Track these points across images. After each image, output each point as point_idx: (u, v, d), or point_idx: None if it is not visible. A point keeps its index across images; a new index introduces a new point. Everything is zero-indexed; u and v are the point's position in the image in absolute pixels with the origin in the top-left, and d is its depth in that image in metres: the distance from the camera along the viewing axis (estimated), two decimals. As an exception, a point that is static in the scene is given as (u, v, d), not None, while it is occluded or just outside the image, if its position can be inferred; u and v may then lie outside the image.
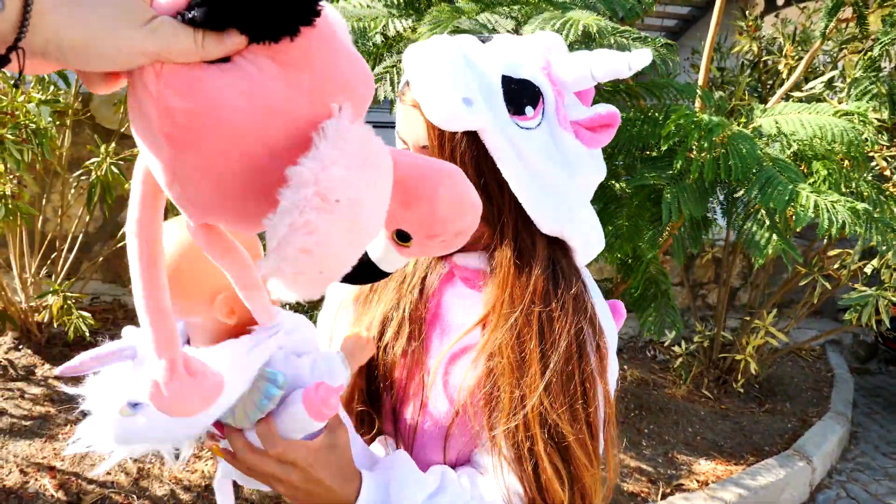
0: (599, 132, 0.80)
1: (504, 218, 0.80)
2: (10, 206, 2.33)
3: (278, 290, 0.50)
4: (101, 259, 3.32)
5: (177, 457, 0.72)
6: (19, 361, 3.00)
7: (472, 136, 0.76)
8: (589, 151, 0.81)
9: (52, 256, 3.25)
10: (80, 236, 3.24)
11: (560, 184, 0.79)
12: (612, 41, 1.61)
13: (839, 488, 3.64)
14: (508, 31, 1.69)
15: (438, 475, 0.80)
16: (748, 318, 3.91)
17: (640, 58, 0.76)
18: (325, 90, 0.51)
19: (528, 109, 0.76)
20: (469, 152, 0.77)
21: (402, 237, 0.68)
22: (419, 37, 1.75)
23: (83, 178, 2.90)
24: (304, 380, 0.72)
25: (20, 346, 3.08)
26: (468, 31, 1.68)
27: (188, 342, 0.75)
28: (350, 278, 0.73)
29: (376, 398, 0.91)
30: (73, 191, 3.12)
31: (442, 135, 0.77)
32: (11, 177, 2.50)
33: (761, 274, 4.20)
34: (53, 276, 3.17)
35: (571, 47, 1.62)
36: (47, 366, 3.00)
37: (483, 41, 0.81)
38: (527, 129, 0.76)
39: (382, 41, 1.94)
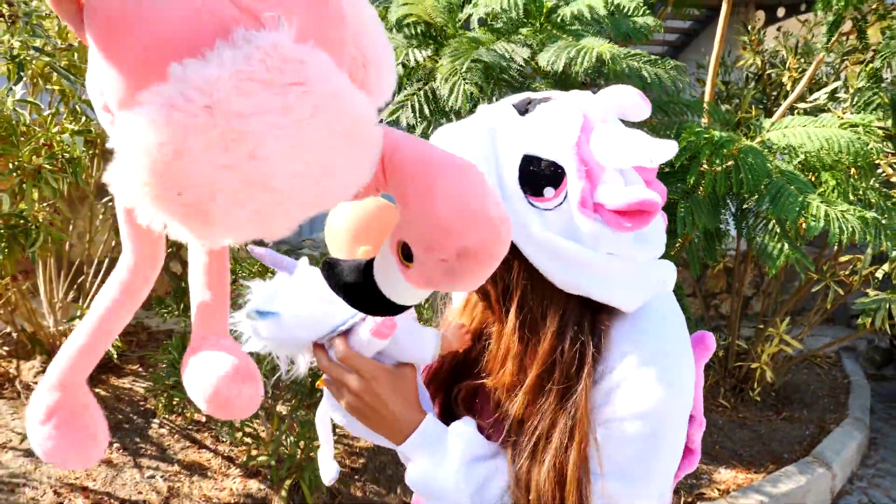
0: (628, 217, 0.77)
1: (512, 290, 0.83)
2: (44, 233, 2.41)
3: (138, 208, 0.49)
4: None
5: (290, 363, 0.87)
6: (49, 385, 3.07)
7: None
8: (619, 234, 0.79)
9: (79, 281, 3.34)
10: (106, 261, 3.33)
11: (581, 257, 0.78)
12: (625, 65, 1.69)
13: (861, 494, 3.65)
14: (525, 59, 1.77)
15: (494, 448, 0.87)
16: (762, 327, 3.94)
17: (665, 150, 0.76)
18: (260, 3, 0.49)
19: (548, 190, 0.77)
20: None
21: (405, 254, 0.64)
22: (441, 66, 1.83)
23: (110, 203, 2.99)
24: (400, 339, 0.84)
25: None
26: (487, 61, 1.76)
27: None
28: (356, 303, 0.71)
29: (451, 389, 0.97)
30: (101, 216, 3.22)
31: None
32: (45, 205, 2.60)
33: (773, 283, 4.24)
34: (81, 300, 3.26)
35: (586, 72, 1.70)
36: (76, 389, 3.08)
37: (524, 110, 0.82)
38: (545, 209, 0.78)
39: (403, 71, 2.02)
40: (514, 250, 0.79)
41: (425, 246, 0.59)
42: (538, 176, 0.77)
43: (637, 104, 0.82)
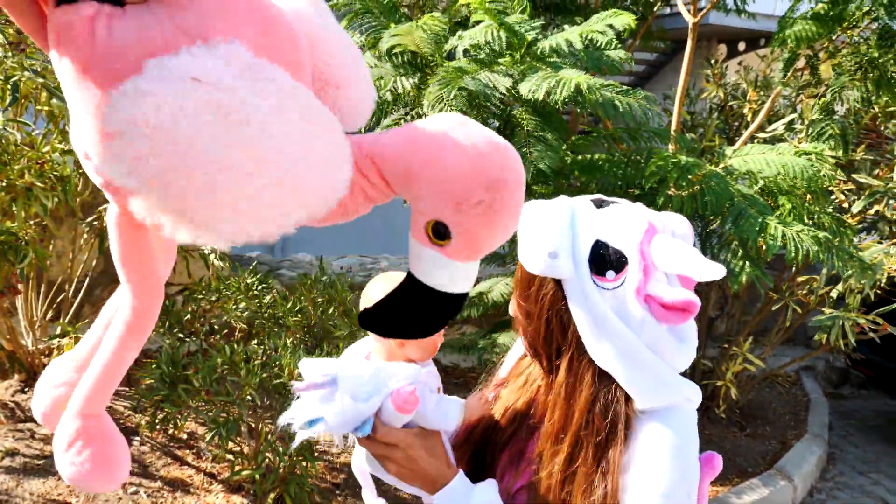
0: (671, 312, 0.89)
1: (562, 350, 0.96)
2: (33, 250, 2.45)
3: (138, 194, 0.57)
4: (106, 303, 3.41)
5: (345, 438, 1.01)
6: (26, 404, 3.06)
7: (557, 283, 0.94)
8: (660, 325, 0.92)
9: (59, 299, 3.35)
10: (87, 280, 3.34)
11: (624, 336, 0.91)
12: (600, 95, 1.83)
13: (820, 506, 3.81)
14: (507, 88, 1.90)
15: None
16: (726, 346, 4.11)
17: (714, 270, 0.89)
18: (206, 27, 0.56)
19: (610, 273, 0.91)
20: (550, 293, 0.94)
21: (437, 233, 0.67)
22: (428, 93, 1.95)
23: (95, 223, 3.02)
24: (426, 413, 0.98)
25: (26, 389, 3.15)
26: (472, 89, 1.89)
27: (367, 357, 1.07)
28: (417, 318, 0.80)
29: (481, 462, 1.09)
30: (85, 235, 3.24)
31: (533, 277, 0.96)
32: (32, 223, 2.63)
33: (736, 304, 4.42)
34: (62, 318, 3.26)
35: (564, 102, 1.84)
36: (54, 407, 3.07)
37: (599, 205, 0.97)
38: (604, 287, 0.91)
39: (391, 97, 2.14)
40: (570, 316, 0.93)
41: (455, 203, 0.63)
42: (605, 259, 0.91)
43: (686, 234, 0.97)
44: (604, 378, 0.93)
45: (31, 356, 3.14)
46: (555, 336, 0.95)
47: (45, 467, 2.64)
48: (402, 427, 0.98)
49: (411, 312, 0.79)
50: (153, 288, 0.79)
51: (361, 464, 1.08)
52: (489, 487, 0.99)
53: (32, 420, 2.96)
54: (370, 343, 1.08)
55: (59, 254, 3.77)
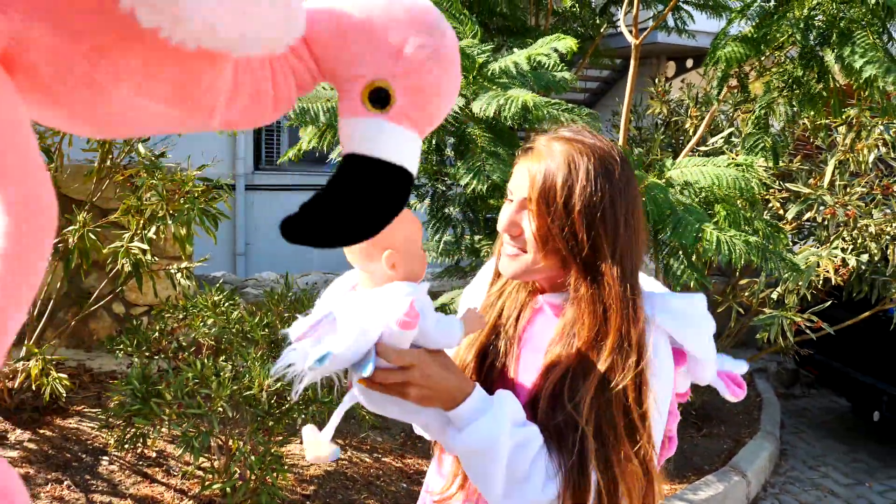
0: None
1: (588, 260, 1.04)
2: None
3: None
4: (72, 325, 3.43)
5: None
6: (-9, 428, 3.05)
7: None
8: None
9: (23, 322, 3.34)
10: (50, 303, 3.35)
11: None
12: (546, 112, 1.98)
13: (773, 499, 4.00)
14: (460, 107, 2.04)
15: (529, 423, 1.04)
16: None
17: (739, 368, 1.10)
18: None
19: None
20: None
21: (377, 100, 0.61)
22: (385, 112, 2.07)
23: (59, 246, 3.05)
24: (429, 330, 0.98)
25: (-10, 414, 3.14)
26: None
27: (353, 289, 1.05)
28: (363, 201, 0.71)
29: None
30: (49, 258, 3.25)
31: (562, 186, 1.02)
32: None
33: (689, 309, 4.62)
34: (25, 341, 3.26)
35: (513, 118, 1.98)
36: (19, 430, 3.07)
37: None
38: None
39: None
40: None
41: (395, 51, 0.58)
42: None
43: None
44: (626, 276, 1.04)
45: (-6, 380, 3.13)
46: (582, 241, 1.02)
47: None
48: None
49: (359, 199, 0.69)
50: (39, 197, 0.56)
51: (345, 406, 1.05)
52: (508, 395, 1.02)
53: (-3, 444, 2.95)
54: (352, 276, 1.07)
55: (20, 278, 3.75)
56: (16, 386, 3.19)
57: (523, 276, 1.10)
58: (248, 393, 2.25)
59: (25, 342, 3.20)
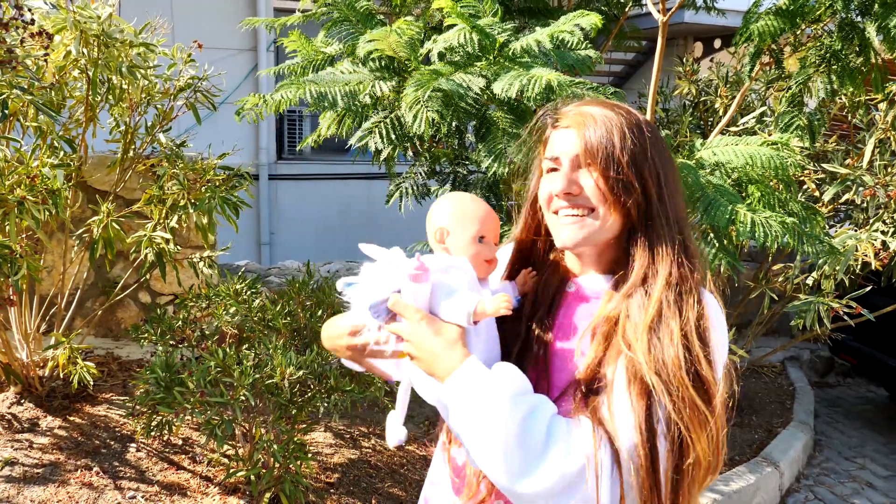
0: None
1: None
2: (25, 264, 2.49)
3: None
4: (98, 314, 3.46)
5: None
6: (23, 415, 3.10)
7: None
8: None
9: (52, 312, 3.39)
10: (77, 293, 3.39)
11: None
12: (569, 92, 1.91)
13: (807, 491, 3.89)
14: (480, 88, 1.98)
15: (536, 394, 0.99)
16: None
17: None
18: None
19: None
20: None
21: None
22: (405, 96, 2.02)
23: (84, 236, 3.07)
24: (438, 299, 1.05)
25: (22, 401, 3.18)
26: (446, 90, 1.96)
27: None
28: None
29: None
30: (75, 248, 3.29)
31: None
32: (24, 237, 2.68)
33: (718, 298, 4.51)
34: (54, 331, 3.30)
35: (536, 99, 1.92)
36: (50, 417, 3.11)
37: None
38: None
39: (371, 101, 2.21)
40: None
41: None
42: None
43: None
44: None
45: (27, 368, 3.18)
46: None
47: (44, 475, 2.68)
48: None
49: None
50: None
51: (406, 383, 1.13)
52: (507, 366, 0.98)
53: (29, 430, 3.00)
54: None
55: (49, 268, 3.81)
56: (46, 374, 3.23)
57: (590, 241, 1.07)
58: (270, 381, 2.23)
59: (54, 331, 3.23)
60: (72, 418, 3.12)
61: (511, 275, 1.21)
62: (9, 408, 3.12)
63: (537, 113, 1.18)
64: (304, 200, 8.44)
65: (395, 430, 1.15)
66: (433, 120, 2.00)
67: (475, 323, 1.02)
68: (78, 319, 3.82)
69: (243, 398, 2.14)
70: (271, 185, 8.46)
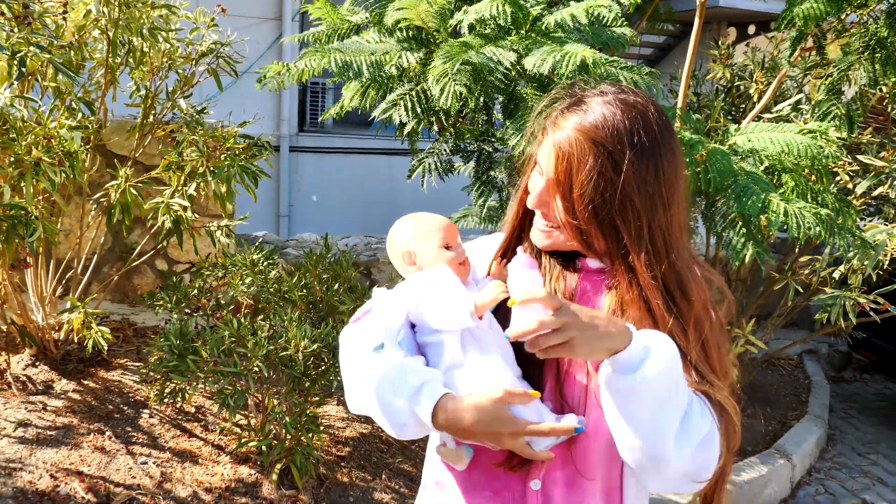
0: None
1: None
2: (43, 225, 2.48)
3: None
4: (114, 279, 3.46)
5: None
6: (37, 377, 3.11)
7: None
8: None
9: (68, 276, 3.39)
10: (94, 258, 3.38)
11: None
12: (604, 70, 1.83)
13: (818, 485, 3.85)
14: (511, 63, 1.91)
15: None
16: (728, 328, 4.12)
17: None
18: None
19: None
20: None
21: None
22: (433, 68, 1.96)
23: (102, 200, 3.05)
24: (431, 311, 1.07)
25: (37, 363, 3.20)
26: (476, 64, 1.90)
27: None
28: None
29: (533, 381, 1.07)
30: (93, 212, 3.27)
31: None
32: (40, 199, 2.66)
33: (740, 287, 4.44)
34: (70, 295, 3.30)
35: (568, 76, 1.85)
36: (64, 381, 3.12)
37: None
38: None
39: (396, 73, 2.14)
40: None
41: None
42: None
43: None
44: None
45: (42, 331, 3.19)
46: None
47: (57, 438, 2.70)
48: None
49: None
50: None
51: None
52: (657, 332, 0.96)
53: (43, 393, 3.01)
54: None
55: (66, 231, 3.80)
56: (61, 337, 3.24)
57: (560, 248, 1.09)
58: (284, 353, 2.21)
59: (70, 295, 3.24)
60: (86, 382, 3.14)
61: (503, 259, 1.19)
62: (24, 369, 3.13)
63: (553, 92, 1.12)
64: (324, 173, 8.40)
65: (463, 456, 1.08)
66: (460, 94, 1.93)
67: (480, 318, 1.03)
68: (95, 284, 3.83)
69: (256, 369, 2.12)
70: (292, 157, 8.41)
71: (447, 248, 1.13)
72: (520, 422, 0.95)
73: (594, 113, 0.99)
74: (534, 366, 1.04)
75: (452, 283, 1.08)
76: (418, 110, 2.11)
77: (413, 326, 1.09)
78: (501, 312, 1.04)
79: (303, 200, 8.40)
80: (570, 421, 0.99)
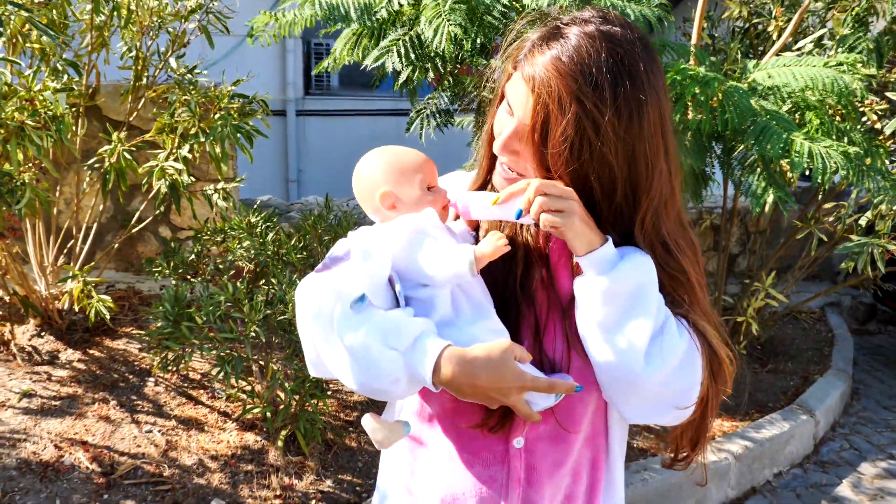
0: None
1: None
2: (31, 193, 2.40)
3: None
4: (115, 247, 3.40)
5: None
6: (43, 347, 3.08)
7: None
8: None
9: (69, 246, 3.33)
10: (95, 226, 3.32)
11: None
12: (609, 3, 1.69)
13: (842, 440, 3.75)
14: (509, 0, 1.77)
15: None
16: (748, 281, 3.99)
17: None
18: None
19: None
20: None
21: None
22: (425, 9, 1.82)
23: (96, 166, 2.97)
24: (424, 260, 0.95)
25: (42, 333, 3.17)
26: (471, 1, 1.75)
27: None
28: None
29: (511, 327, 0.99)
30: (88, 179, 3.20)
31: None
32: (30, 165, 2.58)
33: (759, 240, 4.28)
34: (71, 264, 3.25)
35: (572, 8, 1.70)
36: (70, 350, 3.09)
37: None
38: None
39: (388, 17, 2.01)
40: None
41: None
42: None
43: None
44: None
45: (45, 301, 3.15)
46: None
47: (61, 408, 2.67)
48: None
49: None
50: None
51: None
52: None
53: (49, 363, 2.98)
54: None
55: (69, 200, 3.74)
56: (64, 307, 3.20)
57: None
58: (282, 318, 2.13)
59: (71, 265, 3.19)
60: (91, 352, 3.10)
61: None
62: (29, 340, 3.10)
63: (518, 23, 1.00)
64: (332, 137, 8.26)
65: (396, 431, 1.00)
66: (455, 35, 1.80)
67: (478, 270, 0.93)
68: (98, 253, 3.78)
69: (253, 334, 2.04)
70: (299, 122, 8.27)
71: (429, 188, 1.01)
72: (526, 376, 0.87)
73: (574, 51, 0.86)
74: (510, 320, 0.96)
75: (447, 237, 0.97)
76: (412, 56, 1.98)
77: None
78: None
79: (311, 165, 8.29)
80: (568, 378, 0.91)
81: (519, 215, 0.90)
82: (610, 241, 0.90)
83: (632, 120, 0.87)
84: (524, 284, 0.98)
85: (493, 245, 0.91)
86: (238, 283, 2.23)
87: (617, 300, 0.88)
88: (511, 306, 0.98)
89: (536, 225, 0.91)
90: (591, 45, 0.86)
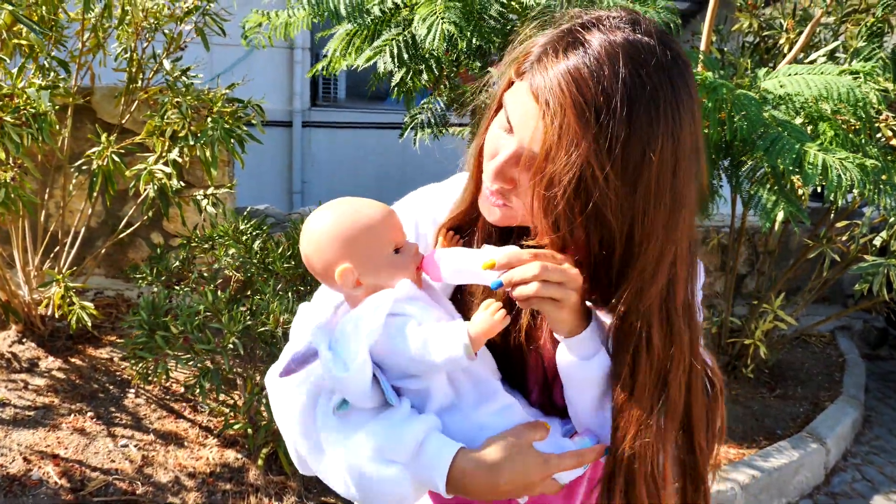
0: None
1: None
2: (10, 192, 2.31)
3: None
4: (102, 252, 3.30)
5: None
6: (23, 354, 2.98)
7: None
8: None
9: (55, 251, 3.24)
10: (83, 231, 3.23)
11: None
12: (612, 2, 1.59)
13: (854, 471, 3.59)
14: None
15: None
16: (756, 303, 3.86)
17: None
18: None
19: None
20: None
21: None
22: (419, 7, 1.73)
23: (84, 168, 2.89)
24: (408, 344, 0.80)
25: (24, 340, 3.07)
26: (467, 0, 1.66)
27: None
28: None
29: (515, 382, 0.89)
30: (74, 181, 3.11)
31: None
32: (12, 164, 2.49)
33: (767, 260, 4.15)
34: (56, 270, 3.16)
35: (580, 2, 1.60)
36: (51, 358, 2.99)
37: None
38: None
39: (382, 16, 1.92)
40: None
41: None
42: None
43: None
44: None
45: (27, 307, 3.05)
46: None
47: (35, 418, 2.56)
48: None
49: None
50: None
51: None
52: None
53: (27, 371, 2.88)
54: (333, 295, 0.90)
55: (58, 205, 3.66)
56: (47, 313, 3.10)
57: (513, 224, 0.84)
58: (263, 329, 2.02)
59: (55, 269, 3.09)
60: (73, 360, 3.00)
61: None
62: (10, 346, 3.00)
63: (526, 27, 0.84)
64: (338, 149, 8.21)
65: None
66: (450, 35, 1.70)
67: (476, 353, 0.78)
68: (87, 258, 3.69)
69: (231, 346, 1.93)
70: (305, 133, 8.23)
71: (397, 250, 0.84)
72: (552, 462, 0.77)
73: (593, 63, 0.69)
74: (516, 372, 0.85)
75: (430, 310, 0.82)
76: (406, 57, 1.88)
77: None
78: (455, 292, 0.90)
79: (316, 177, 8.23)
80: (587, 440, 0.83)
81: (499, 286, 0.76)
82: (592, 325, 0.79)
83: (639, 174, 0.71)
84: (530, 335, 0.84)
85: (490, 322, 0.77)
86: (220, 293, 2.13)
87: (594, 385, 0.80)
88: (516, 358, 0.86)
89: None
90: (614, 61, 0.69)
